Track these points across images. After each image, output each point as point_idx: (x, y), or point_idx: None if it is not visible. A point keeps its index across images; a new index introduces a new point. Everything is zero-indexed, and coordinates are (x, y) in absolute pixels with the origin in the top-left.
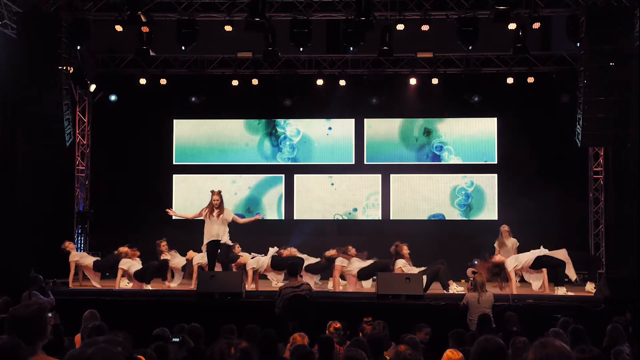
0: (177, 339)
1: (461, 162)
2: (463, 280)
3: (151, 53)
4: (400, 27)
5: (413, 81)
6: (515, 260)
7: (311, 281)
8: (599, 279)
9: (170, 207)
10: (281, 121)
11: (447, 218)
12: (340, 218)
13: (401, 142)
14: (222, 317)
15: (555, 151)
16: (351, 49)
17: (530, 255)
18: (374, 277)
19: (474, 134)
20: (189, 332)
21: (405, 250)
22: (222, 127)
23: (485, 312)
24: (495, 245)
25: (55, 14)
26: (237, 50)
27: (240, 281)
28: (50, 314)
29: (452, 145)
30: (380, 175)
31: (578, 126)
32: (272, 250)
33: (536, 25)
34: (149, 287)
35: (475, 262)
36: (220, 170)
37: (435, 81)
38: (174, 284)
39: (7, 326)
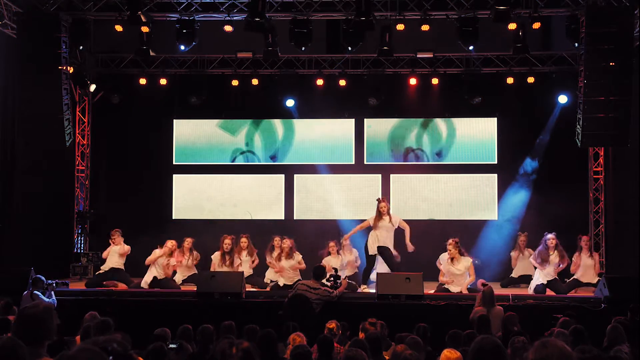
0: (174, 345)
1: (461, 162)
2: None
3: (151, 53)
4: (400, 27)
5: (413, 81)
6: None
7: None
8: None
9: (171, 206)
10: (281, 121)
11: (446, 218)
12: None
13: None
14: (222, 317)
15: (555, 151)
16: (349, 48)
17: None
18: None
19: (474, 134)
20: (200, 333)
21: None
22: (222, 127)
23: (495, 326)
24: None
25: (55, 14)
26: (237, 50)
27: (241, 281)
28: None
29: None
30: (380, 175)
31: (578, 126)
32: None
33: (536, 25)
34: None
35: (477, 262)
36: (221, 170)
37: (435, 81)
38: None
39: (15, 325)
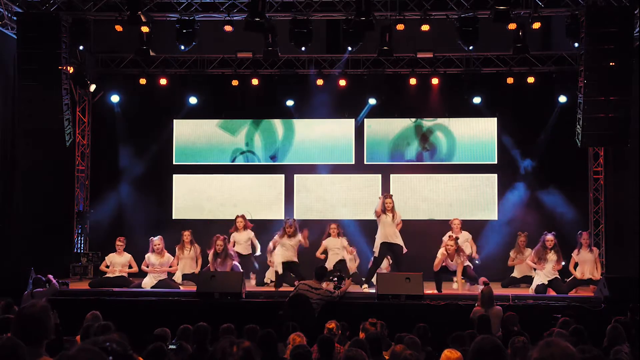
0: (174, 346)
1: (461, 162)
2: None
3: (151, 53)
4: (400, 27)
5: (413, 81)
6: None
7: None
8: None
9: (171, 206)
10: (281, 121)
11: (446, 218)
12: None
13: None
14: (222, 317)
15: (555, 151)
16: (349, 48)
17: None
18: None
19: (473, 134)
20: (195, 331)
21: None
22: (222, 127)
23: (494, 326)
24: (512, 254)
25: (55, 14)
26: (237, 50)
27: (241, 281)
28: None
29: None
30: (380, 175)
31: (578, 126)
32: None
33: (536, 25)
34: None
35: (477, 262)
36: (221, 170)
37: (435, 81)
38: None
39: (13, 325)
